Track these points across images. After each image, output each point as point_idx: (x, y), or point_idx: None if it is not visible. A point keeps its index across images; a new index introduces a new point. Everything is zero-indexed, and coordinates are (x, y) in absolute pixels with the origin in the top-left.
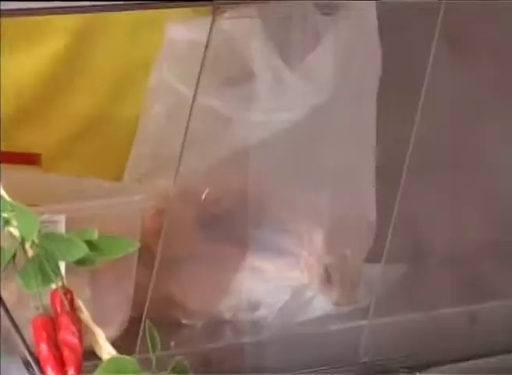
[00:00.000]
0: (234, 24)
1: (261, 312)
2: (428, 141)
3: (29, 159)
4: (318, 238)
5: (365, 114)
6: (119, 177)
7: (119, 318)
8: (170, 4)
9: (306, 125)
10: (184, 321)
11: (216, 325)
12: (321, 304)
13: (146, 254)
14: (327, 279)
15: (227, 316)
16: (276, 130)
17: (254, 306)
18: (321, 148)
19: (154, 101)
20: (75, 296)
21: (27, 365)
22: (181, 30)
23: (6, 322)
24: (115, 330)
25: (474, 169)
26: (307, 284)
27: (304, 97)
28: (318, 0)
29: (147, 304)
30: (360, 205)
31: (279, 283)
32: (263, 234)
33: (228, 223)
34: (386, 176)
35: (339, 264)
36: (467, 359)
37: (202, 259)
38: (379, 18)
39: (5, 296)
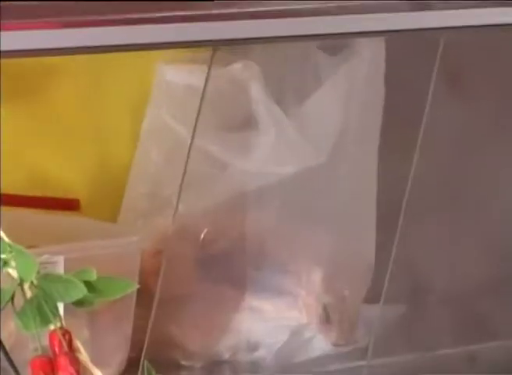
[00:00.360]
0: (234, 68)
1: (259, 353)
2: (426, 180)
3: (68, 205)
4: (317, 278)
5: (367, 159)
6: (113, 218)
7: (118, 359)
8: (169, 45)
9: (306, 175)
10: (183, 362)
11: (215, 365)
12: (319, 344)
13: (144, 294)
14: (326, 319)
15: (226, 356)
16: (274, 180)
17: (253, 347)
18: (322, 192)
19: (152, 142)
20: (73, 337)
21: None
22: (179, 71)
23: (5, 363)
24: (114, 371)
25: (472, 209)
26: (305, 324)
27: (304, 156)
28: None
29: (145, 344)
30: (360, 247)
31: (277, 324)
32: (261, 274)
33: (226, 264)
34: (384, 216)
35: (337, 304)
36: None
37: (201, 299)
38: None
39: (3, 337)
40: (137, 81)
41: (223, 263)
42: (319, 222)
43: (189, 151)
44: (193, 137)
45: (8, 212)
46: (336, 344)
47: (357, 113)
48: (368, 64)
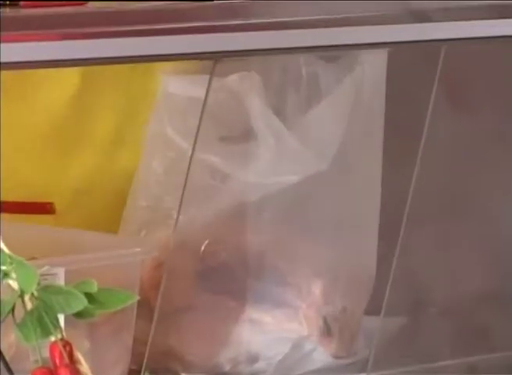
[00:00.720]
0: (234, 80)
1: (260, 365)
2: (427, 191)
3: (42, 208)
4: (317, 290)
5: (371, 168)
6: (114, 230)
7: (118, 370)
8: (170, 57)
9: (307, 184)
10: (183, 374)
11: None
12: (320, 356)
13: (145, 307)
14: (326, 331)
15: (226, 368)
16: (275, 190)
17: (253, 358)
18: (323, 202)
19: (153, 154)
20: (74, 349)
21: None
22: (181, 83)
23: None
24: None
25: (473, 220)
26: (306, 337)
27: (305, 164)
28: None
29: (146, 356)
30: (361, 258)
31: (277, 336)
32: (262, 286)
33: (227, 276)
34: (385, 226)
35: (338, 316)
36: None
37: (201, 311)
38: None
39: (4, 348)
40: (137, 90)
41: (224, 275)
42: (320, 233)
43: (189, 162)
44: (193, 149)
45: (9, 223)
46: (336, 356)
47: (359, 124)
48: (369, 74)
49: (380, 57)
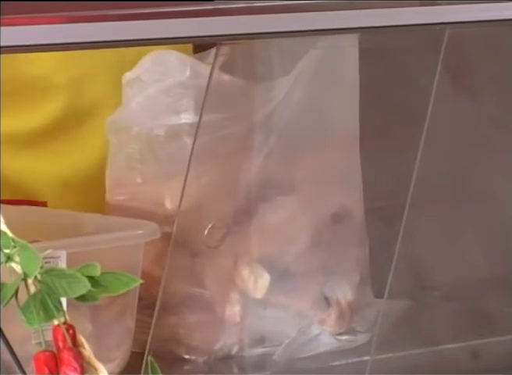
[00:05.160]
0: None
1: (265, 348)
2: (429, 178)
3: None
4: (322, 273)
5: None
6: None
7: (121, 353)
8: (173, 40)
9: None
10: (187, 357)
11: (220, 360)
12: (326, 340)
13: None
14: (326, 308)
15: (232, 351)
16: None
17: (259, 341)
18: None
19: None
20: (77, 332)
21: None
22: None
23: (8, 357)
24: (117, 365)
25: (476, 205)
26: (311, 320)
27: None
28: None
29: (149, 339)
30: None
31: (283, 318)
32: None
33: (233, 257)
34: (389, 212)
35: (336, 290)
36: None
37: (206, 294)
38: (380, 51)
39: (7, 331)
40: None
41: (230, 256)
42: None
43: (189, 163)
44: (193, 150)
45: (11, 207)
46: (334, 333)
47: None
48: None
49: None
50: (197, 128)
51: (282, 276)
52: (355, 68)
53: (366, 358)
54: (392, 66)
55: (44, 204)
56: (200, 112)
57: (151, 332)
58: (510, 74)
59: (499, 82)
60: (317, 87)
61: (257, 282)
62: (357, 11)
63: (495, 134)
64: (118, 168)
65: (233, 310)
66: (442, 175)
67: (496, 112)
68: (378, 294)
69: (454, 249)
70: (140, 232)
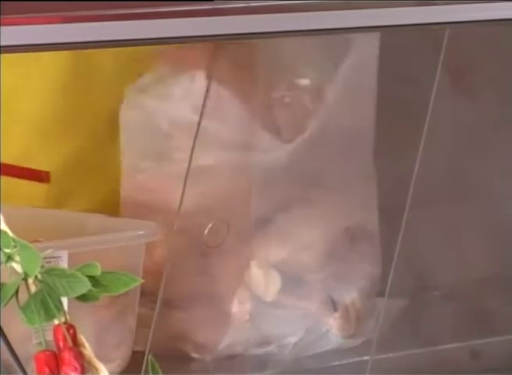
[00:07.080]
0: None
1: (272, 347)
2: (430, 176)
3: (37, 176)
4: (327, 271)
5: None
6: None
7: (122, 352)
8: (171, 40)
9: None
10: (194, 355)
11: (226, 359)
12: (330, 339)
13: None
14: (336, 312)
15: (238, 349)
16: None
17: (266, 341)
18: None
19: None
20: (77, 331)
21: None
22: None
23: (9, 357)
24: (118, 365)
25: (477, 204)
26: (315, 319)
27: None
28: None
29: (149, 338)
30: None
31: (289, 318)
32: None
33: (239, 256)
34: (390, 211)
35: (344, 295)
36: None
37: (212, 293)
38: (380, 51)
39: (7, 331)
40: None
41: (235, 255)
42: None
43: (189, 163)
44: (193, 149)
45: (12, 206)
46: (343, 336)
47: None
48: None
49: (372, 40)
50: (197, 128)
51: (292, 280)
52: (375, 71)
53: (366, 358)
54: (392, 66)
55: (47, 174)
56: (200, 114)
57: (151, 332)
58: (510, 74)
59: (500, 82)
60: (349, 93)
61: (269, 286)
62: (355, 11)
63: (495, 134)
64: (132, 155)
65: (243, 308)
66: (442, 175)
67: (497, 113)
68: (379, 294)
69: (454, 249)
70: (140, 232)
